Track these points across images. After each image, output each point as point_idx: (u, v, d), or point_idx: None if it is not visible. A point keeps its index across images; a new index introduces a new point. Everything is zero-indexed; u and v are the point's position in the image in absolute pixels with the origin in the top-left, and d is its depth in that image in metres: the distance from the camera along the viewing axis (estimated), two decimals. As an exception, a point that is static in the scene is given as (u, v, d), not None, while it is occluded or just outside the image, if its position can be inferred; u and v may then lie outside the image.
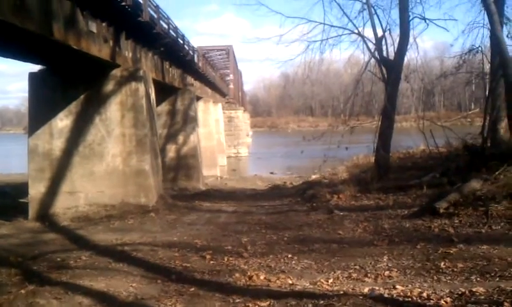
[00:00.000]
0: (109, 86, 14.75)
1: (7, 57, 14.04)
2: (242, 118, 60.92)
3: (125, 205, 14.30)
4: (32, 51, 12.59)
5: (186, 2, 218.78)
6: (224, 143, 46.24)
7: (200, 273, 7.38)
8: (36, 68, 15.18)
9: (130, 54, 15.85)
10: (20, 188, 18.50)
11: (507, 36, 14.65)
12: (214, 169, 33.61)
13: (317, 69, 17.42)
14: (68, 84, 14.63)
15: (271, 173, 32.64)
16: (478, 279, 5.87)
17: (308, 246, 8.66)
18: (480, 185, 10.09)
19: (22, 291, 6.82)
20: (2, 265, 8.48)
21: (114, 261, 8.45)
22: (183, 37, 23.95)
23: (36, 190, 14.54)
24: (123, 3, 13.23)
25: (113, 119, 14.73)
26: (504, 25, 14.66)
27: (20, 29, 9.01)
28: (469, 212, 9.13)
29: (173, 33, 20.83)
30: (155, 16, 17.09)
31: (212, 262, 8.04)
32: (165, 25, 19.03)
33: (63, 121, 14.69)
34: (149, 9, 15.83)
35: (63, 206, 14.30)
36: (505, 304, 4.82)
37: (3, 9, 8.24)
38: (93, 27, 12.46)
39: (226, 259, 8.15)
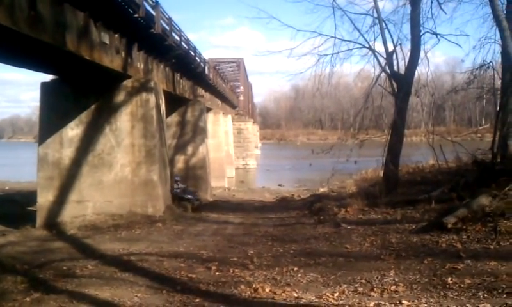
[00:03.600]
0: (120, 97, 14.88)
1: (20, 66, 14.30)
2: (252, 129, 61.07)
3: (133, 215, 14.35)
4: (45, 61, 12.74)
5: (203, 16, 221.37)
6: (233, 155, 46.31)
7: (205, 284, 7.36)
8: (48, 77, 15.35)
9: (142, 65, 15.99)
10: (29, 197, 18.66)
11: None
12: (222, 180, 33.66)
13: (328, 82, 17.28)
14: (79, 93, 14.79)
15: (279, 185, 32.65)
16: (485, 295, 5.80)
17: (314, 259, 8.62)
18: (489, 201, 9.98)
19: (27, 299, 6.87)
20: (9, 272, 8.51)
21: (120, 270, 8.45)
22: (194, 49, 24.16)
23: (45, 198, 14.65)
24: (136, 15, 13.40)
25: (123, 129, 14.85)
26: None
27: (33, 40, 9.13)
28: (477, 228, 9.02)
29: (184, 45, 21.03)
30: (168, 28, 17.27)
31: (217, 273, 8.03)
32: (177, 37, 19.22)
33: (73, 131, 14.83)
34: (161, 21, 16.02)
35: (70, 215, 14.40)
36: (512, 321, 4.76)
37: (18, 21, 8.37)
38: (106, 38, 12.61)
39: (231, 271, 8.13)
